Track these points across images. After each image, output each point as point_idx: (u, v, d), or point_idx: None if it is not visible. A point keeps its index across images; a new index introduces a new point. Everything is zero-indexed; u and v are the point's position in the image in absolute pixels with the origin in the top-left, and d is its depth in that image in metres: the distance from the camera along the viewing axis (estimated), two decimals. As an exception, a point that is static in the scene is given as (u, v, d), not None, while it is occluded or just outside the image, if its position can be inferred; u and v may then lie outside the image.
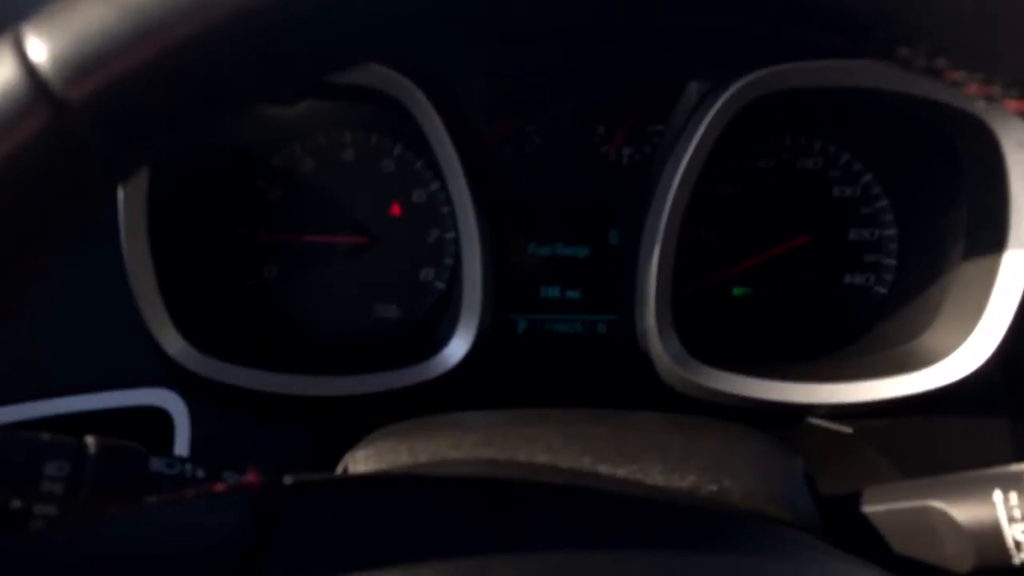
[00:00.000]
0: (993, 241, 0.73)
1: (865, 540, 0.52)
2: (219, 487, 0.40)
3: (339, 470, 0.54)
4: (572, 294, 0.90)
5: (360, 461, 0.53)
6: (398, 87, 0.76)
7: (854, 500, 0.53)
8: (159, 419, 0.79)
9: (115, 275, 0.75)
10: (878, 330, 0.86)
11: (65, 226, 0.29)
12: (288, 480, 0.40)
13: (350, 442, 0.57)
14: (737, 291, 0.89)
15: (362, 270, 0.90)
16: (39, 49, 0.27)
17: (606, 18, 0.30)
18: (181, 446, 0.78)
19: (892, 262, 0.88)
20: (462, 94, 0.86)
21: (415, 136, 0.79)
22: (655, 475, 0.51)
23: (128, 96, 0.27)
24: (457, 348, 0.80)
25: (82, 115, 0.27)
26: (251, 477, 0.42)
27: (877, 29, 0.28)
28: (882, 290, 0.88)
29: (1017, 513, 0.48)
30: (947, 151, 0.79)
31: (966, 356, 0.73)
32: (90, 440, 0.48)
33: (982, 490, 0.49)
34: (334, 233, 0.90)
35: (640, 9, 0.30)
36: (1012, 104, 0.29)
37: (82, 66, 0.27)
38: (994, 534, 0.48)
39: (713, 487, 0.51)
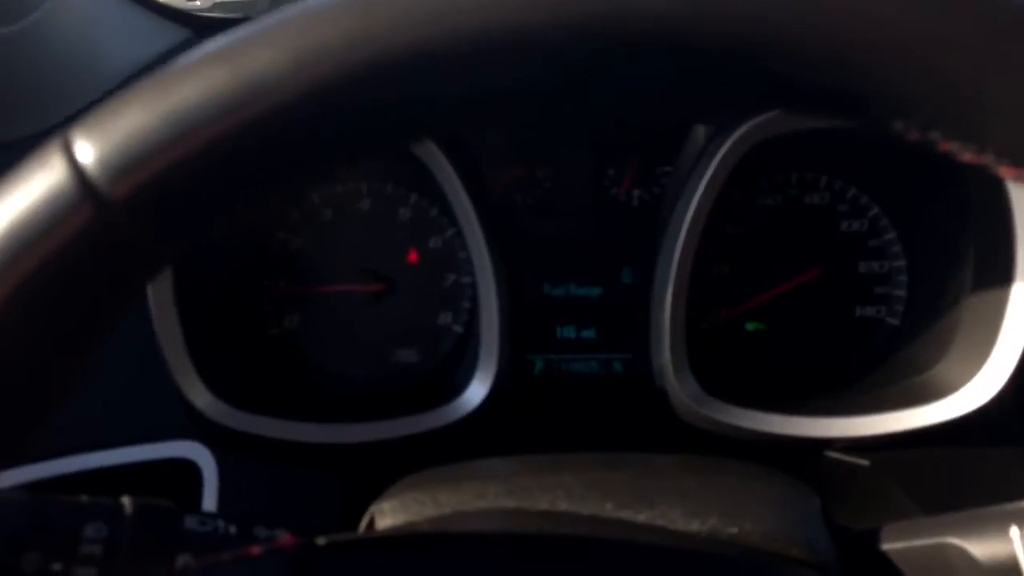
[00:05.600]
0: (1000, 271, 0.73)
1: None
2: (255, 550, 0.41)
3: (364, 522, 0.55)
4: (587, 333, 0.92)
5: (387, 513, 0.54)
6: (421, 143, 0.78)
7: (872, 538, 0.54)
8: (188, 471, 0.80)
9: (142, 330, 0.77)
10: (892, 362, 0.87)
11: (110, 312, 0.31)
12: (321, 541, 0.41)
13: (375, 487, 0.58)
14: (751, 326, 0.90)
15: (382, 316, 0.92)
16: (86, 152, 0.29)
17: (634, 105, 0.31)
18: (209, 496, 0.79)
19: (903, 293, 0.89)
20: (473, 143, 0.88)
21: (429, 185, 0.81)
22: (675, 519, 0.52)
23: (167, 193, 0.29)
24: (477, 390, 0.82)
25: (124, 212, 0.29)
26: (285, 539, 0.44)
27: (872, 106, 0.29)
28: (894, 321, 0.89)
29: (1034, 549, 0.48)
30: (951, 183, 0.80)
31: (980, 386, 0.74)
32: (126, 500, 0.49)
33: (999, 526, 0.50)
34: (354, 281, 0.92)
35: (651, 91, 0.31)
36: (1004, 171, 0.30)
37: (125, 167, 0.28)
38: (1011, 570, 0.49)
39: (733, 530, 0.51)
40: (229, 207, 0.30)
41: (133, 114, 0.29)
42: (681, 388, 0.79)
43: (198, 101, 0.28)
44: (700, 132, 0.86)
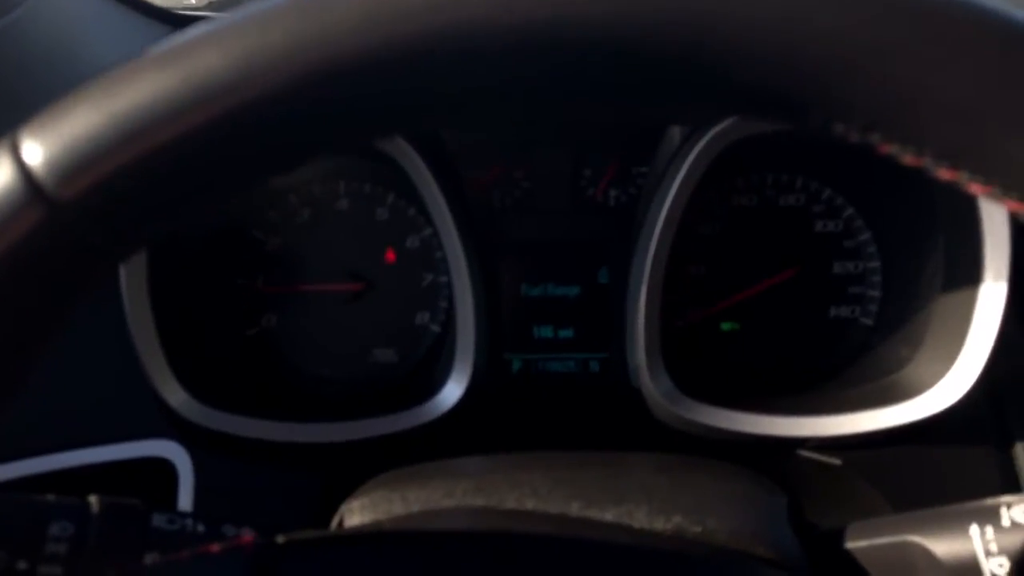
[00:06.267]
0: (969, 272, 0.74)
1: None
2: (214, 548, 0.42)
3: (335, 520, 0.56)
4: (564, 333, 0.92)
5: (355, 511, 0.55)
6: (386, 140, 0.78)
7: (837, 536, 0.54)
8: (163, 470, 0.80)
9: (116, 329, 0.78)
10: (864, 362, 0.88)
11: (60, 314, 0.31)
12: (281, 539, 0.42)
13: (352, 486, 0.58)
14: (725, 326, 0.91)
15: (359, 316, 0.92)
16: (34, 153, 0.29)
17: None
18: (185, 496, 0.79)
19: (876, 294, 0.90)
20: (449, 143, 0.88)
21: (406, 185, 0.81)
22: (641, 518, 0.52)
23: (117, 192, 0.29)
24: (453, 389, 0.82)
25: (73, 212, 0.29)
26: (245, 537, 0.44)
27: (811, 110, 0.30)
28: (868, 321, 0.90)
29: (993, 547, 0.49)
30: (922, 184, 0.81)
31: (950, 386, 0.74)
32: (93, 499, 0.49)
33: (960, 524, 0.50)
34: (331, 280, 0.92)
35: (597, 92, 0.32)
36: (943, 173, 0.31)
37: (73, 167, 0.29)
38: (972, 568, 0.49)
39: (698, 528, 0.52)
40: (178, 209, 0.30)
41: (81, 115, 0.29)
42: (656, 387, 0.80)
43: (146, 103, 0.29)
44: (675, 133, 0.87)
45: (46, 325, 0.31)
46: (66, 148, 0.29)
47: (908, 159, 0.31)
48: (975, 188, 0.30)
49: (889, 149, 0.30)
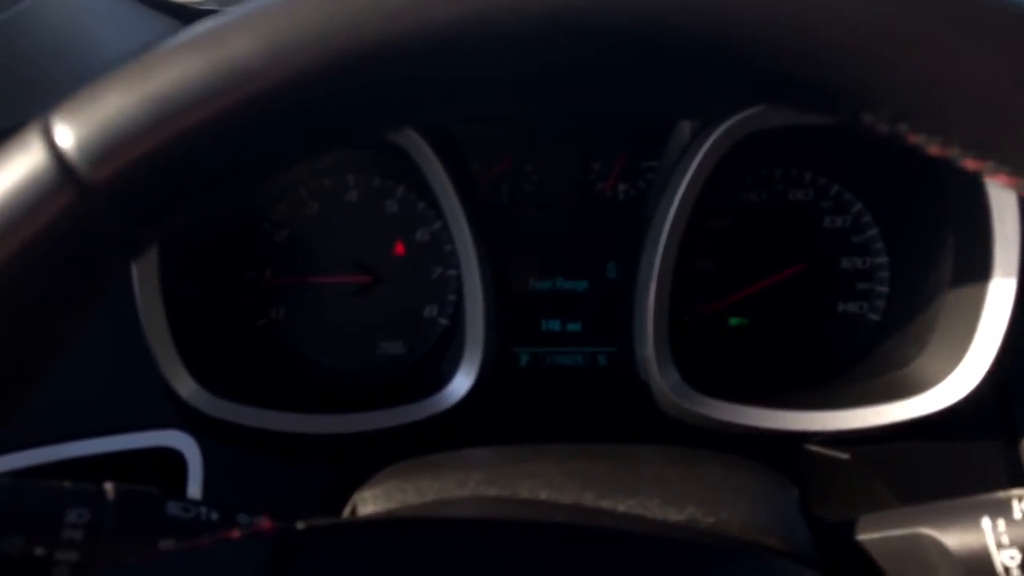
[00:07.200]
0: (979, 268, 0.74)
1: (860, 568, 0.53)
2: (234, 534, 0.42)
3: (347, 510, 0.56)
4: (573, 327, 0.92)
5: (368, 501, 0.55)
6: (398, 132, 0.78)
7: (848, 528, 0.54)
8: (172, 460, 0.80)
9: (128, 320, 0.78)
10: (872, 357, 0.88)
11: (88, 297, 0.31)
12: (301, 525, 0.42)
13: (360, 477, 0.58)
14: (734, 321, 0.91)
15: (368, 308, 0.92)
16: (65, 135, 0.29)
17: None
18: (194, 486, 0.79)
19: (884, 289, 0.90)
20: (460, 136, 0.88)
21: (416, 178, 0.81)
22: (654, 509, 0.53)
23: (147, 177, 0.29)
24: (462, 382, 0.82)
25: (104, 195, 0.29)
26: (264, 523, 0.44)
27: (841, 100, 0.30)
28: (875, 317, 0.90)
29: (1005, 539, 0.49)
30: (932, 180, 0.81)
31: (958, 381, 0.74)
32: (109, 486, 0.50)
33: (971, 517, 0.50)
34: (340, 273, 0.92)
35: (627, 79, 0.32)
36: (970, 163, 0.31)
37: (104, 151, 0.29)
38: (984, 560, 0.49)
39: (711, 519, 0.52)
40: (207, 195, 0.30)
41: (114, 98, 0.29)
42: (664, 381, 0.80)
43: (177, 87, 0.29)
44: (685, 127, 0.87)
45: (74, 310, 0.31)
46: (99, 131, 0.29)
47: (934, 149, 0.31)
48: (1001, 179, 0.30)
49: (916, 139, 0.31)
